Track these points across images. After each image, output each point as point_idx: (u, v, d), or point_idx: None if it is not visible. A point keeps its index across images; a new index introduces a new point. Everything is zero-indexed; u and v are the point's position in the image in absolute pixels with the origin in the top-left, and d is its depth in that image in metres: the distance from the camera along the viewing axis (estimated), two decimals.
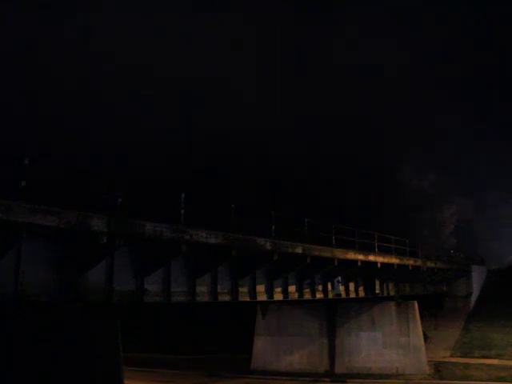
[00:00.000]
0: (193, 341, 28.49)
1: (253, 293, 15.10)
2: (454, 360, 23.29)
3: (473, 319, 30.03)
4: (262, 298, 15.67)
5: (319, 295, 18.56)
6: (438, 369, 21.66)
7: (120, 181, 10.14)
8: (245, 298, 14.83)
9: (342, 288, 19.58)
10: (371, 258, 19.49)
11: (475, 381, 19.45)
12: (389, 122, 52.60)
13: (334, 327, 23.26)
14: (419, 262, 24.50)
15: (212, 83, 48.39)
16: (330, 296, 19.21)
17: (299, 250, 15.27)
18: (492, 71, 52.61)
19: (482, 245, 47.18)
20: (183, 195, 11.55)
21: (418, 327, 22.48)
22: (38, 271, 9.54)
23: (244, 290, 14.81)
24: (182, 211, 11.45)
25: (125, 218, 9.88)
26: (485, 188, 51.51)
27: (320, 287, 18.61)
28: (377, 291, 21.89)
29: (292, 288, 16.98)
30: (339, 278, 19.25)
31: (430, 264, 26.09)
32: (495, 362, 22.33)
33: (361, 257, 18.71)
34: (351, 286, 20.56)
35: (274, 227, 14.49)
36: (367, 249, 19.90)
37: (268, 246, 13.91)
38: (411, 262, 23.41)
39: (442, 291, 32.32)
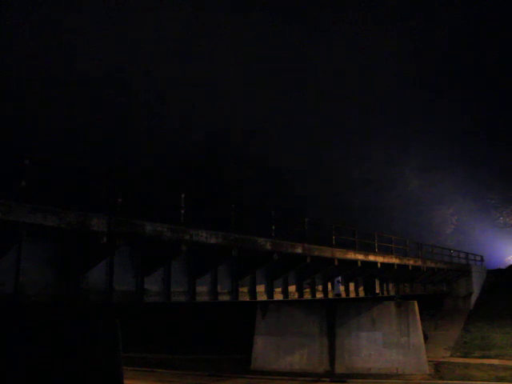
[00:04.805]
0: (193, 341, 28.51)
1: (253, 293, 15.11)
2: (453, 360, 23.32)
3: (473, 319, 30.02)
4: (262, 298, 15.67)
5: (319, 295, 18.55)
6: (438, 369, 21.69)
7: (120, 181, 10.15)
8: (245, 297, 14.84)
9: (342, 288, 19.57)
10: (371, 257, 19.48)
11: (475, 381, 19.47)
12: (389, 120, 52.59)
13: (333, 327, 23.30)
14: (419, 262, 24.50)
15: (212, 83, 48.45)
16: (330, 296, 19.20)
17: (299, 250, 15.26)
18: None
19: (482, 245, 47.09)
20: (183, 195, 11.55)
21: (418, 327, 22.50)
22: (38, 271, 9.55)
23: (244, 289, 14.81)
24: (182, 211, 11.46)
25: (125, 218, 9.89)
26: (485, 188, 51.40)
27: (320, 287, 18.60)
28: (377, 291, 21.87)
29: (292, 288, 16.98)
30: (339, 277, 19.24)
31: (430, 264, 26.08)
32: (495, 361, 22.36)
33: (361, 257, 18.70)
34: (351, 286, 20.55)
35: (273, 227, 14.49)
36: (367, 249, 19.88)
37: (268, 246, 13.91)
38: (411, 262, 23.40)
39: (442, 291, 32.29)
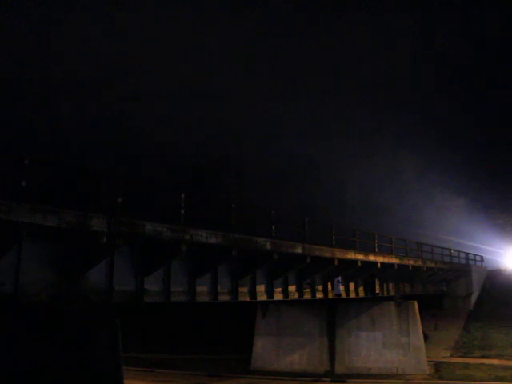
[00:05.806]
0: (193, 341, 28.50)
1: (253, 293, 15.10)
2: (453, 360, 23.32)
3: (473, 319, 30.03)
4: (262, 297, 15.66)
5: (319, 295, 18.55)
6: (438, 369, 21.69)
7: (120, 181, 10.14)
8: (245, 297, 14.83)
9: (342, 288, 19.56)
10: (371, 257, 19.48)
11: (475, 381, 19.47)
12: (389, 120, 52.61)
13: (333, 327, 23.29)
14: (419, 262, 24.51)
15: (212, 83, 48.44)
16: (330, 296, 19.20)
17: (299, 250, 15.26)
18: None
19: (482, 245, 47.08)
20: (183, 195, 11.54)
21: (418, 327, 22.50)
22: (38, 271, 9.55)
23: (244, 290, 14.80)
24: (182, 211, 11.45)
25: (125, 218, 9.88)
26: (485, 188, 51.40)
27: (320, 287, 18.60)
28: (377, 291, 21.87)
29: (292, 288, 16.98)
30: (339, 277, 19.24)
31: (429, 264, 26.09)
32: (495, 361, 22.36)
33: (361, 257, 18.70)
34: (351, 286, 20.55)
35: (273, 227, 14.48)
36: (367, 249, 19.88)
37: (268, 246, 13.91)
38: (411, 262, 23.41)
39: (442, 291, 32.30)
